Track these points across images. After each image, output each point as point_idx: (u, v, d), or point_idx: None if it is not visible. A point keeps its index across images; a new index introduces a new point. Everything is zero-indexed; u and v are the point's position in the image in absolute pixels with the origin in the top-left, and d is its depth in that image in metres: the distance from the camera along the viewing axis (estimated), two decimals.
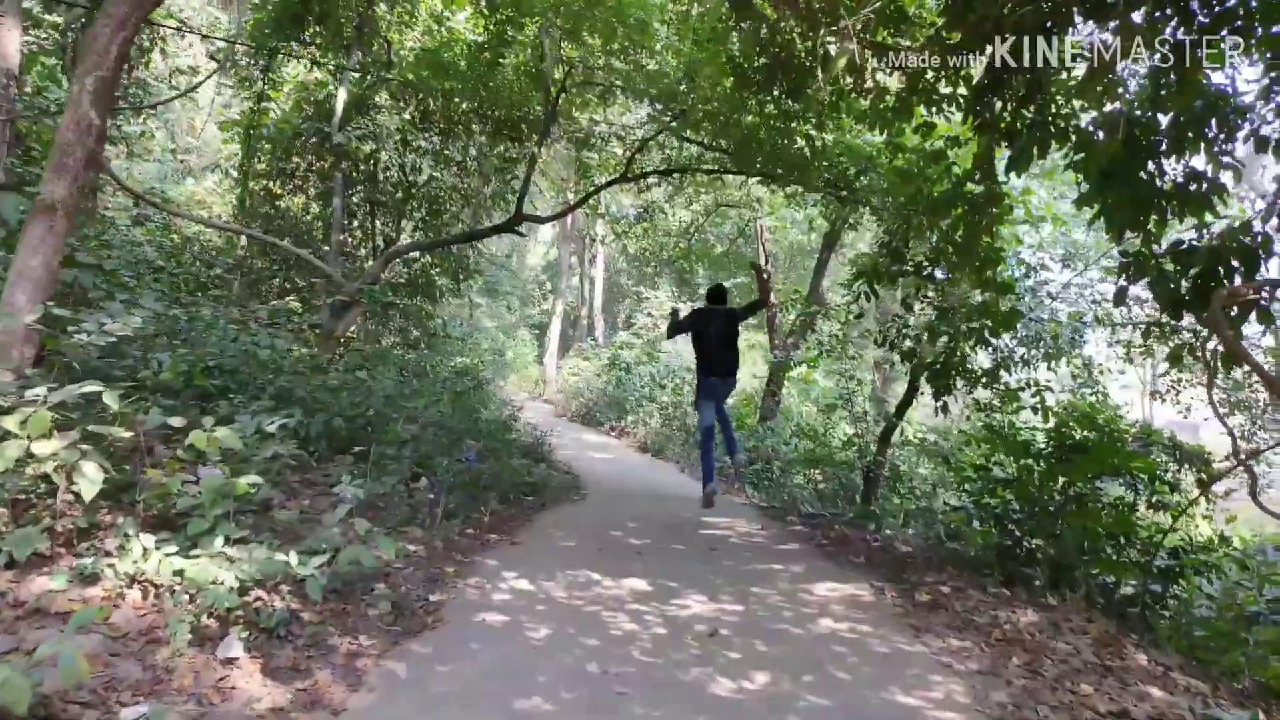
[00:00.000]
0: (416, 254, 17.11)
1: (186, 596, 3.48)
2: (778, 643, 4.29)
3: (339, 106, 10.33)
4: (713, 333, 7.29)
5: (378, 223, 14.39)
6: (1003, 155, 6.29)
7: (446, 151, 14.57)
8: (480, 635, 4.14)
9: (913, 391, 9.44)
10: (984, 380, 7.26)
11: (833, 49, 4.52)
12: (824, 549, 6.80)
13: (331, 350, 9.43)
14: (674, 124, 10.19)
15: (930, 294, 7.09)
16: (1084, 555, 6.05)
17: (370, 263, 11.36)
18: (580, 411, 20.01)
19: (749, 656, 4.05)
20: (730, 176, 14.21)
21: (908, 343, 7.48)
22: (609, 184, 10.86)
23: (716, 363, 7.28)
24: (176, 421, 4.17)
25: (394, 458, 6.80)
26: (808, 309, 14.24)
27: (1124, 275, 5.02)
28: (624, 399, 18.48)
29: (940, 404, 6.98)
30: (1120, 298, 5.26)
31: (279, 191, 13.84)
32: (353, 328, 11.53)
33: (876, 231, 14.70)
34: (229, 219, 14.47)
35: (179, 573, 3.52)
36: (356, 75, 11.27)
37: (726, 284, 24.72)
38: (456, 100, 13.14)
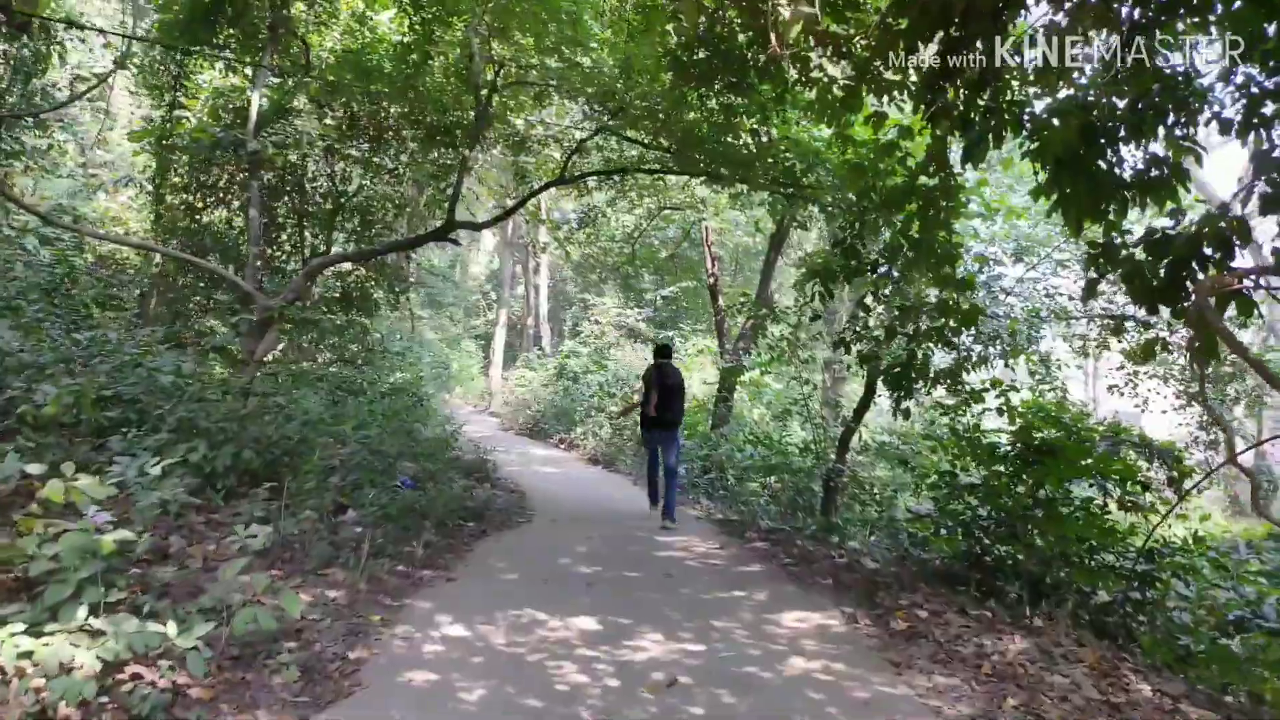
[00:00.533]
0: (350, 266, 16.46)
1: (35, 685, 2.89)
2: (745, 691, 3.83)
3: (253, 112, 9.64)
4: (671, 385, 8.51)
5: (306, 234, 13.69)
6: (956, 146, 6.00)
7: (376, 159, 13.94)
8: (404, 700, 3.60)
9: (870, 394, 9.11)
10: (944, 381, 6.93)
11: (785, 12, 4.09)
12: (787, 570, 6.37)
13: (251, 373, 8.74)
14: (612, 123, 9.73)
15: (886, 293, 6.74)
16: (1060, 563, 5.74)
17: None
18: (528, 424, 19.40)
19: (714, 711, 3.59)
20: (673, 178, 13.84)
21: (865, 345, 7.13)
22: (545, 187, 10.37)
23: (661, 414, 8.46)
24: (35, 468, 3.56)
25: (315, 490, 6.21)
26: (756, 312, 13.89)
27: (1093, 267, 4.70)
28: (572, 409, 17.94)
29: (901, 408, 6.62)
30: (1091, 290, 4.95)
31: (199, 205, 13.05)
32: (278, 347, 10.84)
33: (825, 231, 14.48)
34: (146, 235, 13.63)
35: (27, 654, 2.93)
36: (274, 79, 10.60)
37: (673, 289, 24.45)
38: (384, 105, 12.54)
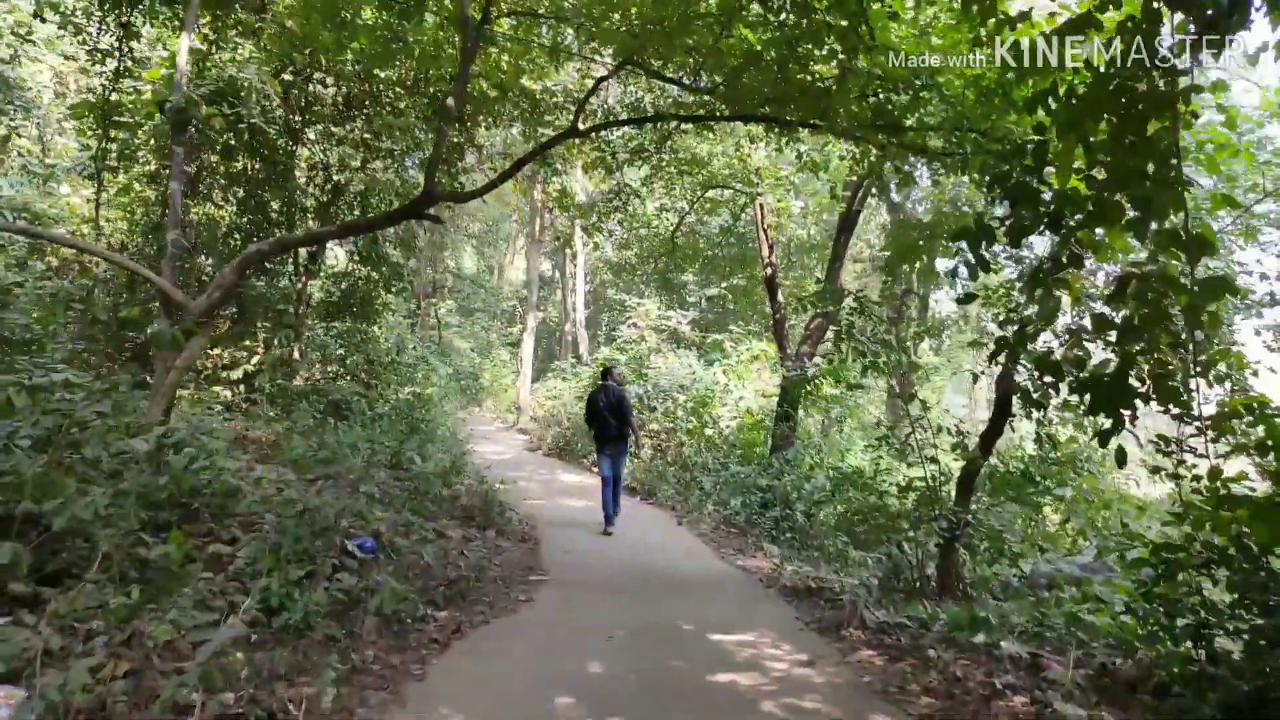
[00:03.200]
0: (348, 265, 14.31)
1: None
2: None
3: (181, 59, 7.44)
4: (603, 407, 9.41)
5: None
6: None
7: (374, 141, 11.78)
8: None
9: (1002, 418, 6.57)
10: (1172, 398, 4.34)
11: None
12: None
13: (159, 398, 6.50)
14: (639, 59, 7.32)
15: (1087, 258, 4.20)
16: None
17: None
18: (557, 444, 17.03)
19: None
20: (720, 144, 11.41)
21: (1028, 344, 4.59)
22: (553, 142, 7.99)
23: (604, 431, 9.46)
24: None
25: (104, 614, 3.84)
26: (827, 306, 11.35)
27: None
28: None
29: (1113, 447, 4.06)
30: None
31: (148, 192, 10.98)
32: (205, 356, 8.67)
33: (900, 203, 11.72)
34: (108, 232, 11.60)
35: None
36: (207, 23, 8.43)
37: (721, 286, 21.95)
38: (362, 69, 10.35)
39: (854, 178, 11.04)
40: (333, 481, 8.34)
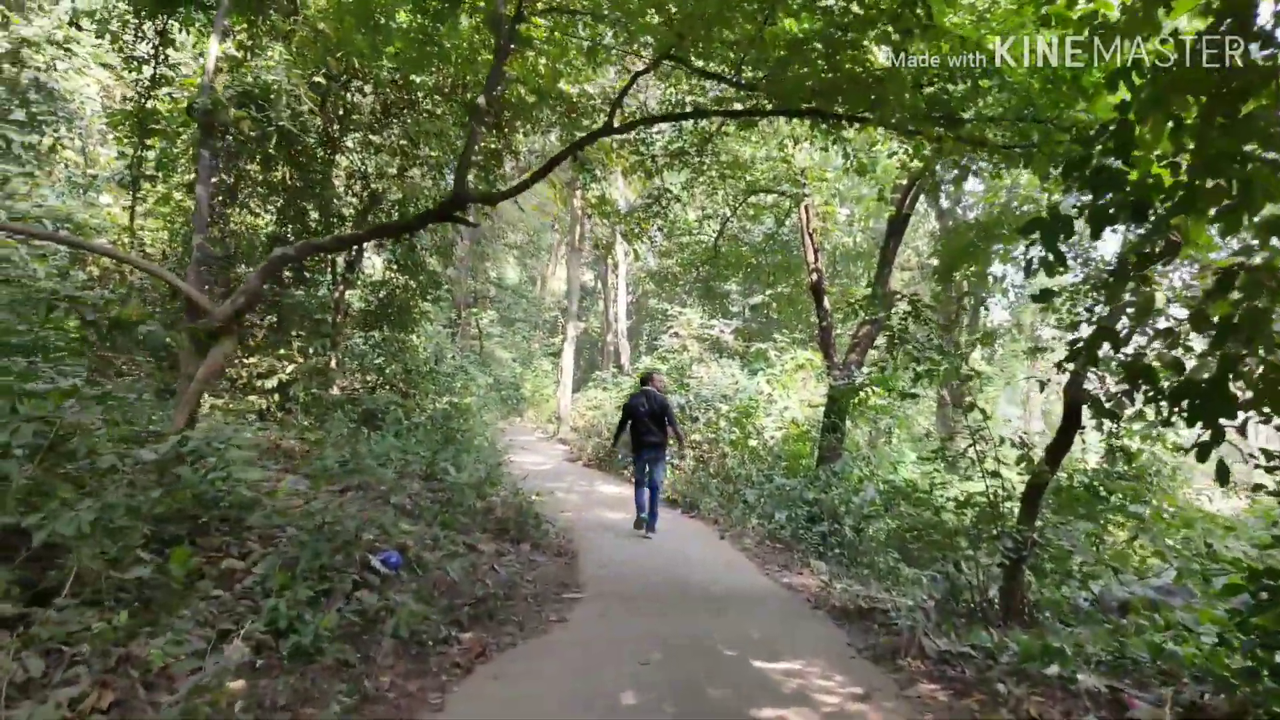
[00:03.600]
0: (385, 273, 14.20)
1: None
2: None
3: (210, 61, 7.31)
4: (643, 413, 9.52)
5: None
6: None
7: (413, 150, 11.65)
8: None
9: (1072, 428, 6.09)
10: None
11: None
12: None
13: (185, 405, 6.33)
14: (677, 53, 7.00)
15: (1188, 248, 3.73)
16: None
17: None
18: (597, 454, 16.72)
19: None
20: (763, 147, 11.04)
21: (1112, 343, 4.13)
22: (587, 140, 7.67)
23: (645, 438, 9.51)
24: None
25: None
26: (873, 313, 10.89)
27: None
28: None
29: (1214, 465, 3.60)
30: None
31: (188, 201, 10.94)
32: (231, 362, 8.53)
33: (944, 207, 11.20)
34: (149, 242, 11.62)
35: None
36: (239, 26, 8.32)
37: (765, 294, 21.50)
38: (400, 75, 10.19)
39: (903, 181, 10.60)
40: (361, 493, 8.14)
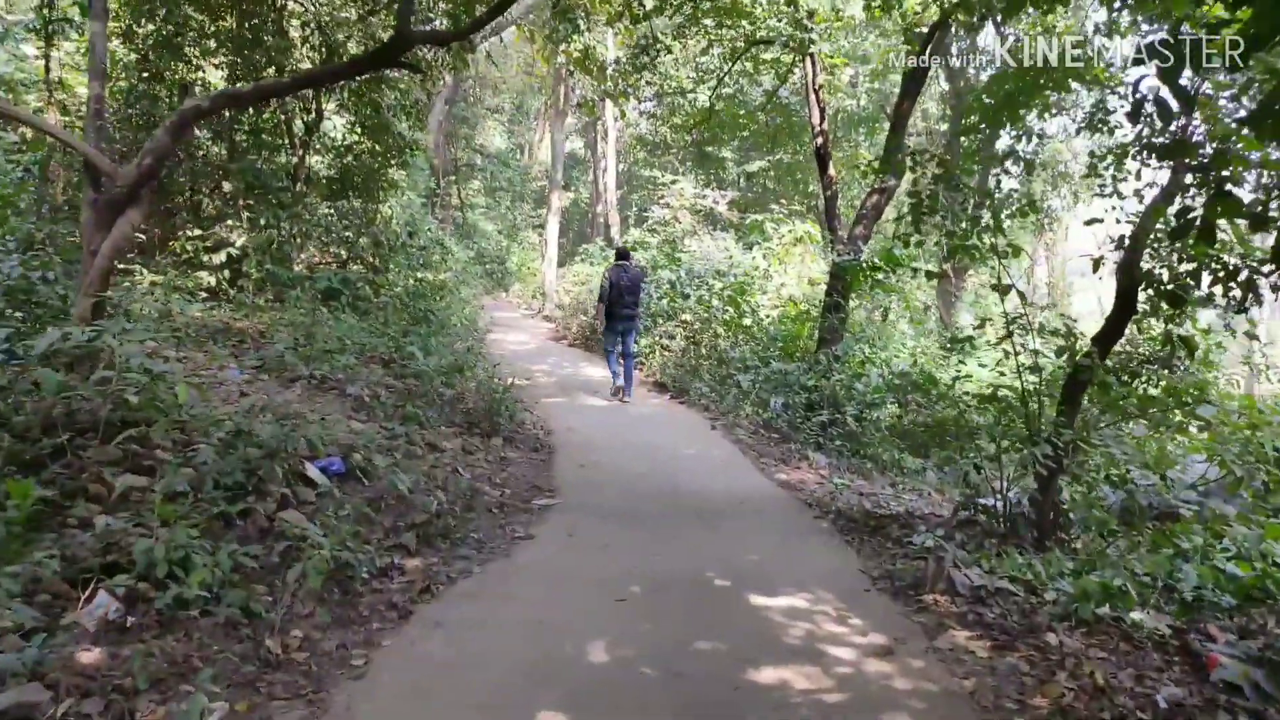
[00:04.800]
0: (345, 135, 12.89)
1: None
2: None
3: None
4: (624, 285, 9.93)
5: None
6: None
7: None
8: None
9: (1125, 316, 5.20)
10: None
11: None
12: None
13: (96, 284, 5.37)
14: None
15: None
16: None
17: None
18: (583, 333, 15.83)
19: None
20: None
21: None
22: None
23: (622, 310, 9.94)
24: None
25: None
26: (882, 178, 9.79)
27: None
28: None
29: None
30: None
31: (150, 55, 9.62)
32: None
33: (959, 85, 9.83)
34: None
35: None
36: None
37: (765, 161, 20.17)
38: None
39: (923, 30, 9.31)
40: (314, 383, 7.30)
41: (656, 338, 13.02)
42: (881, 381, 9.31)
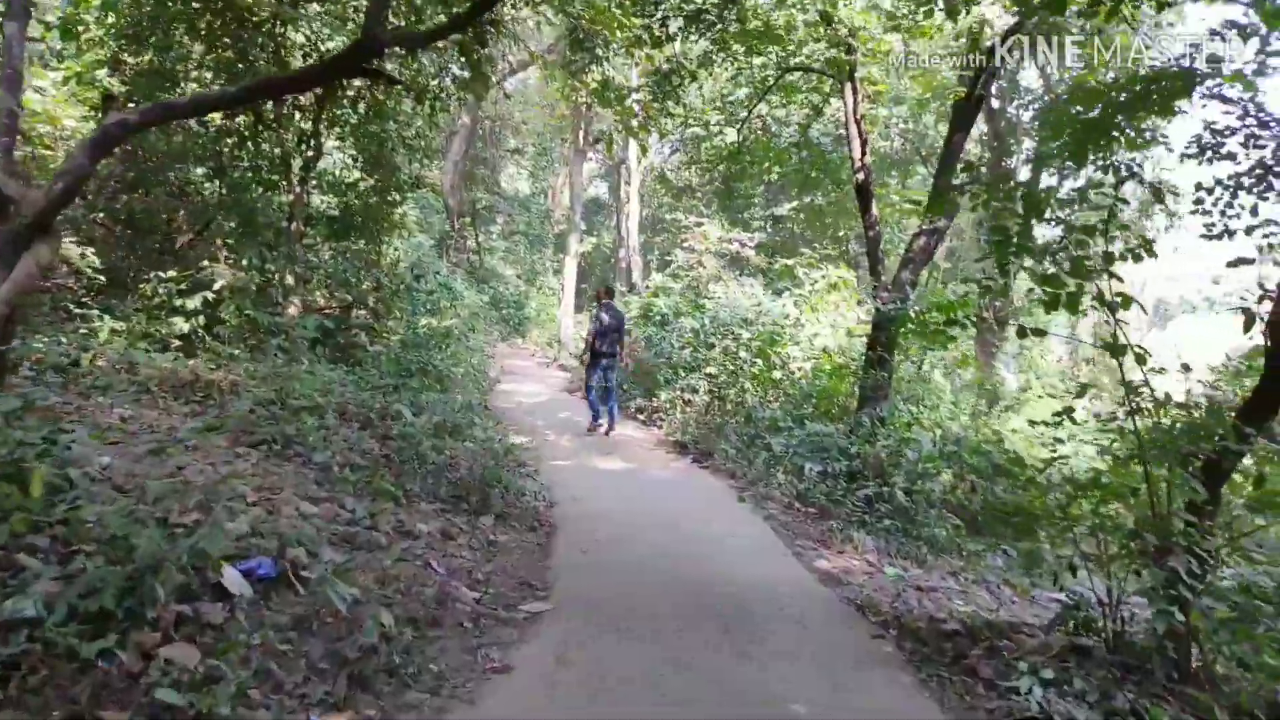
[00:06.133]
0: (347, 175, 12.06)
1: None
2: None
3: None
4: (610, 326, 10.52)
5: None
6: None
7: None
8: None
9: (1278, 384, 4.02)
10: None
11: None
12: None
13: None
14: None
15: None
16: None
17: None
18: None
19: None
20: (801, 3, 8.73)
21: None
22: None
23: (606, 346, 10.48)
24: None
25: None
26: (933, 219, 8.72)
27: None
28: (655, 368, 13.18)
29: None
30: None
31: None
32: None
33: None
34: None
35: None
36: None
37: (791, 204, 19.17)
38: None
39: (984, 45, 8.28)
40: (275, 448, 6.24)
41: (678, 391, 11.91)
42: (934, 449, 8.10)
